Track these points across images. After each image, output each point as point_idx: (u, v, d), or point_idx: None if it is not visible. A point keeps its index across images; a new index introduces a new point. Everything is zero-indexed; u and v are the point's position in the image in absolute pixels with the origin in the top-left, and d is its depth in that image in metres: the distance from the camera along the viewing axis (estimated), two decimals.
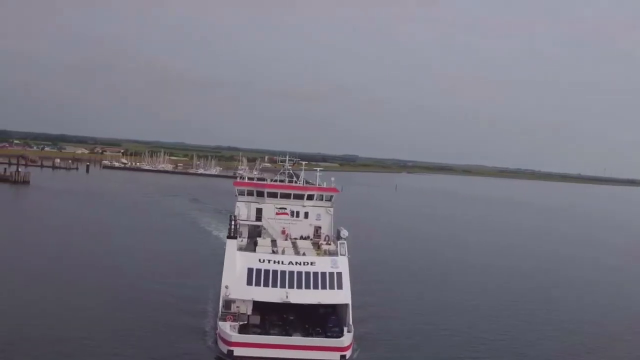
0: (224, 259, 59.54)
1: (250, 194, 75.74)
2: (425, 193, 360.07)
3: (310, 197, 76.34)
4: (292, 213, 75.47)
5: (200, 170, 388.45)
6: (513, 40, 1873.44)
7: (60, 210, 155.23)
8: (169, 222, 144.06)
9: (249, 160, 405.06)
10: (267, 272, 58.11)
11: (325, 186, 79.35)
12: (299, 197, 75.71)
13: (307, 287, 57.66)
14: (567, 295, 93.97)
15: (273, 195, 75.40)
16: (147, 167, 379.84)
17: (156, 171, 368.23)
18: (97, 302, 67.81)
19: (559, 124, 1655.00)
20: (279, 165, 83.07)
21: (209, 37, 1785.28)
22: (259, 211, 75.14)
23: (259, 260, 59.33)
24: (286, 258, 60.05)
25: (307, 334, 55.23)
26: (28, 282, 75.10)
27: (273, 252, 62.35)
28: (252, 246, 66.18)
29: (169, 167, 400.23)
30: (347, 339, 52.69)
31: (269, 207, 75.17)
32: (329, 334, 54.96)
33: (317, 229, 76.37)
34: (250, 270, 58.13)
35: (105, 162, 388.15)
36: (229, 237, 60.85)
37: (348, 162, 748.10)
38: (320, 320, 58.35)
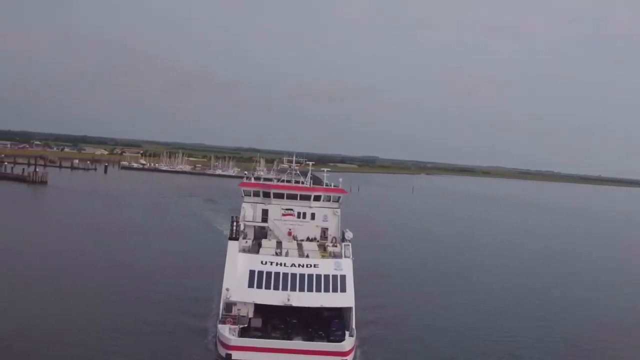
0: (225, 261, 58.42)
1: (256, 194, 74.67)
2: (440, 194, 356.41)
3: (317, 198, 75.05)
4: (298, 214, 74.30)
5: (218, 171, 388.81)
6: (531, 39, 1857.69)
7: (73, 210, 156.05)
8: (181, 222, 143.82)
9: (267, 161, 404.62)
10: (269, 274, 56.87)
11: (332, 187, 78.16)
12: (306, 198, 74.49)
13: (310, 290, 56.25)
14: (565, 294, 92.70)
15: (279, 196, 74.29)
16: (165, 168, 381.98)
17: (174, 172, 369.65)
18: (97, 301, 67.31)
19: (580, 125, 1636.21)
20: (288, 165, 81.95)
21: (227, 38, 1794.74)
22: (264, 212, 74.07)
23: (261, 262, 58.10)
24: (289, 260, 58.74)
25: (309, 337, 53.91)
26: (27, 282, 74.67)
27: (276, 254, 61.10)
28: (256, 247, 65.24)
29: (187, 167, 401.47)
30: (348, 343, 51.25)
31: (275, 208, 74.07)
32: (331, 338, 53.63)
33: (324, 231, 75.19)
34: (252, 272, 56.94)
35: (124, 163, 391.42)
36: (230, 238, 59.58)
37: (367, 164, 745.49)
38: (324, 324, 57.05)
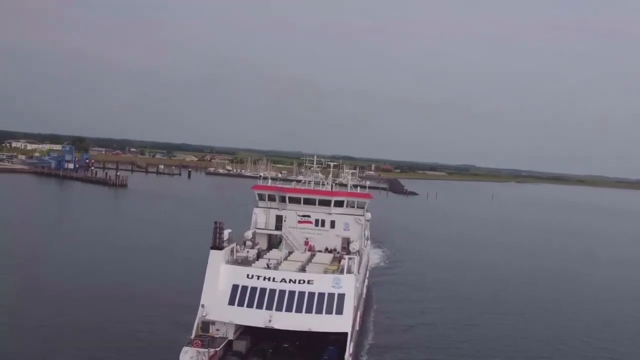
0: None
1: (271, 199, 67.62)
2: (520, 202, 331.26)
3: (338, 204, 67.06)
4: (316, 222, 66.54)
5: (300, 177, 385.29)
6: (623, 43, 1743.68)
7: (134, 209, 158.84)
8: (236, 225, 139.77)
9: (353, 168, 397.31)
10: (253, 290, 48.22)
11: (358, 191, 69.73)
12: (325, 203, 66.63)
13: (299, 310, 46.97)
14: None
15: (295, 200, 66.81)
16: (248, 174, 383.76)
17: (257, 177, 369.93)
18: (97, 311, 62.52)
19: None
20: (309, 166, 74.41)
21: (328, 47, 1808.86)
22: (279, 219, 66.80)
23: (247, 275, 49.39)
24: (279, 274, 49.38)
25: None
26: (27, 285, 71.30)
27: (267, 266, 52.66)
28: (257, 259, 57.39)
29: (272, 174, 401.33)
30: None
31: (291, 214, 66.68)
32: None
33: (347, 241, 66.66)
34: (234, 287, 48.60)
35: (210, 169, 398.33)
36: (213, 247, 50.42)
37: (459, 172, 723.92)
38: (323, 351, 48.10)
